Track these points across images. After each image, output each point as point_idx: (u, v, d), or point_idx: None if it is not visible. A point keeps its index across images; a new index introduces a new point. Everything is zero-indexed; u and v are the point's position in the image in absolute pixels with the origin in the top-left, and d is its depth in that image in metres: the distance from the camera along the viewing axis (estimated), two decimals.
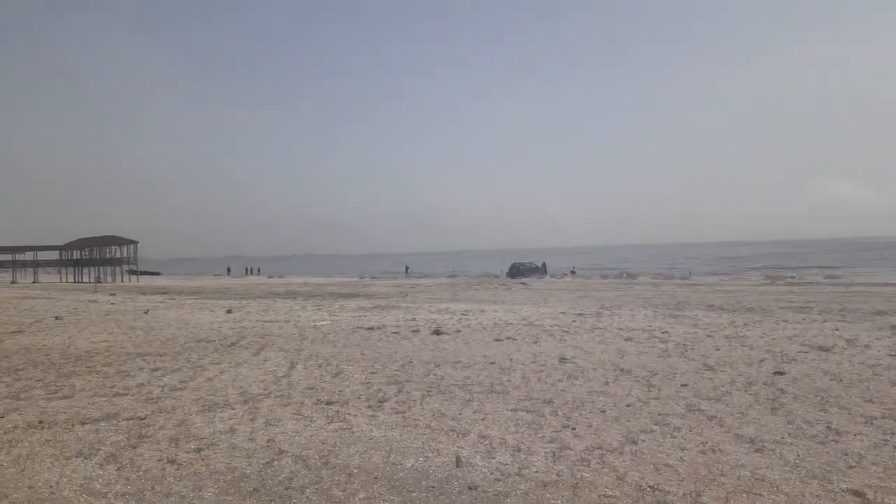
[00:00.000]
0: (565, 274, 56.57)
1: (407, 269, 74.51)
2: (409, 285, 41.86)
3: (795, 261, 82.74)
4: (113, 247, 63.32)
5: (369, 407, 7.13)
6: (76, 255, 64.69)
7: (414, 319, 17.08)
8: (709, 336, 12.86)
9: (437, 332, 13.77)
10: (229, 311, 20.32)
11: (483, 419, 6.49)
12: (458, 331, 14.16)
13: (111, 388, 8.28)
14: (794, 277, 41.91)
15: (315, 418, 6.64)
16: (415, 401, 7.38)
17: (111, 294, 33.73)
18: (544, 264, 55.99)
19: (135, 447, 5.68)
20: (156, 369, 9.70)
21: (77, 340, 13.36)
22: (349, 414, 6.82)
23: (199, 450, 5.58)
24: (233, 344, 12.63)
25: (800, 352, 10.60)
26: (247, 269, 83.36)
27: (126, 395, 7.85)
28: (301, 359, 10.63)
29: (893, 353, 10.25)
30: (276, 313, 19.85)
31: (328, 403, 7.32)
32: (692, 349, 11.12)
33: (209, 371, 9.53)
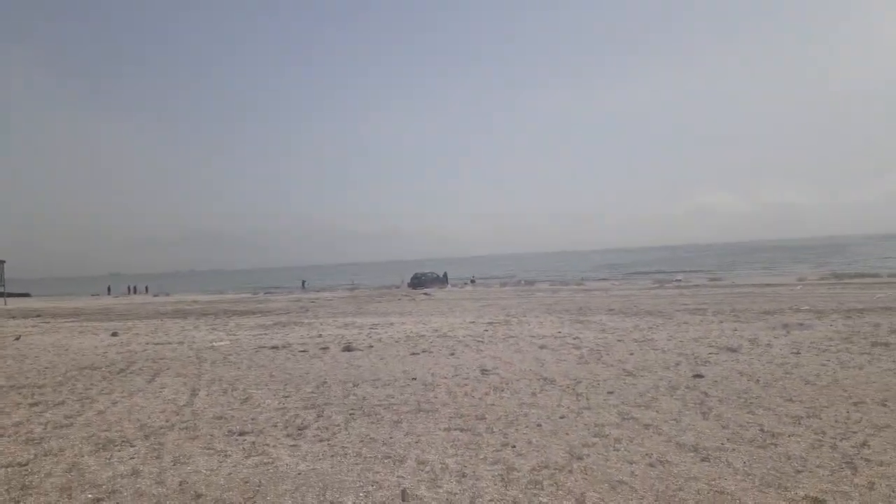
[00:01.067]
0: (466, 283, 56.97)
1: (304, 283, 72.45)
2: (309, 300, 40.58)
3: (678, 265, 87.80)
4: None
5: (288, 436, 6.52)
6: None
7: (320, 336, 16.35)
8: (619, 341, 13.05)
9: (348, 349, 13.17)
10: (115, 334, 18.69)
11: (417, 442, 6.06)
12: (371, 346, 13.62)
13: None
14: (680, 281, 44.19)
15: (230, 452, 5.96)
16: (338, 426, 6.84)
17: None
18: (445, 274, 56.16)
19: (17, 502, 4.82)
20: (35, 404, 8.56)
21: None
22: (267, 445, 6.19)
23: (97, 500, 4.80)
24: (123, 370, 11.48)
25: (710, 353, 10.89)
26: (129, 288, 78.20)
27: (1, 437, 6.80)
28: (202, 384, 9.77)
29: (795, 351, 10.72)
30: (167, 334, 18.46)
31: (241, 434, 6.64)
32: (607, 354, 11.19)
33: (99, 403, 8.51)
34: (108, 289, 79.21)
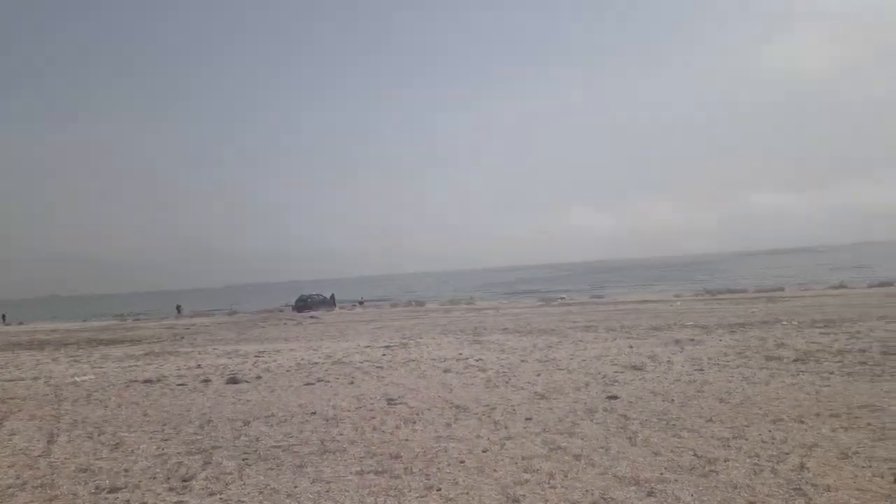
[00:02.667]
0: (354, 305, 55.64)
1: (179, 308, 67.89)
2: (184, 326, 37.87)
3: (557, 283, 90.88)
4: None
5: (171, 489, 5.51)
6: None
7: (199, 367, 14.92)
8: (522, 361, 12.74)
9: (233, 381, 11.97)
10: None
11: (327, 491, 5.25)
12: (259, 377, 12.48)
13: None
14: (565, 298, 45.34)
15: None
16: (231, 474, 5.88)
17: None
18: (332, 296, 54.49)
19: None
20: None
21: None
22: (145, 503, 5.16)
23: None
24: None
25: (616, 372, 10.76)
26: None
27: None
28: (63, 428, 8.39)
29: (698, 367, 10.79)
30: (19, 369, 16.29)
31: (112, 490, 5.54)
32: (514, 377, 10.80)
33: None
34: None
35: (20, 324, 57.37)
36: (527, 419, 7.57)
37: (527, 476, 5.38)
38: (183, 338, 26.29)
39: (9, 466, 6.52)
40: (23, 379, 14.00)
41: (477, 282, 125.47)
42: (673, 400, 8.26)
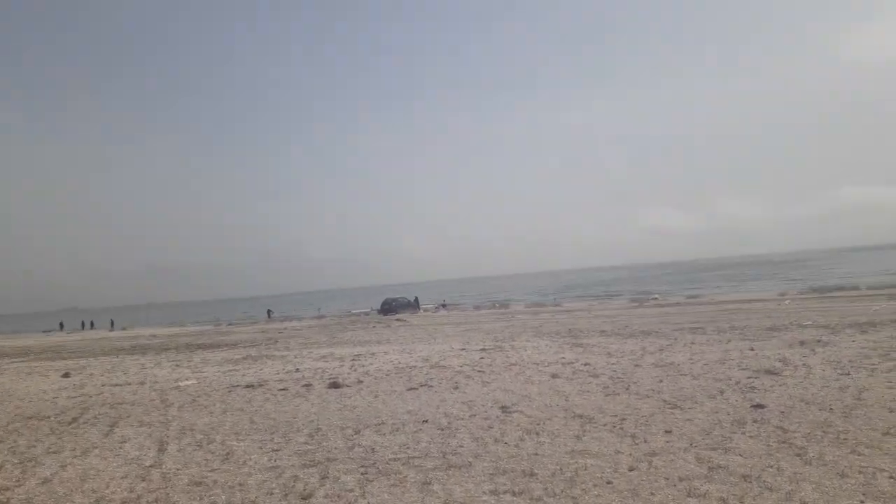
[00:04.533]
0: (437, 307, 55.50)
1: (269, 312, 69.90)
2: (276, 330, 38.61)
3: (640, 284, 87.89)
4: None
5: None
6: None
7: (298, 370, 14.77)
8: (636, 366, 11.84)
9: (335, 385, 11.67)
10: (66, 375, 16.78)
11: None
12: (360, 381, 12.13)
13: None
14: (657, 298, 43.54)
15: None
16: (352, 491, 5.39)
17: None
18: (416, 298, 54.58)
19: None
20: None
21: None
22: None
23: None
24: (74, 419, 9.81)
25: (749, 378, 9.74)
26: (83, 323, 74.31)
27: None
28: (172, 436, 8.19)
29: (843, 371, 9.64)
30: (125, 373, 16.64)
31: None
32: (634, 383, 9.95)
33: (45, 466, 6.90)
34: (61, 324, 75.26)
35: (124, 329, 60.47)
36: (666, 431, 6.77)
37: (693, 502, 4.62)
38: (277, 341, 26.58)
39: (122, 477, 6.29)
40: (129, 383, 14.20)
41: (558, 283, 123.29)
42: (832, 409, 7.24)
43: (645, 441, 6.43)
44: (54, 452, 7.57)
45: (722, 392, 8.76)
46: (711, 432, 6.62)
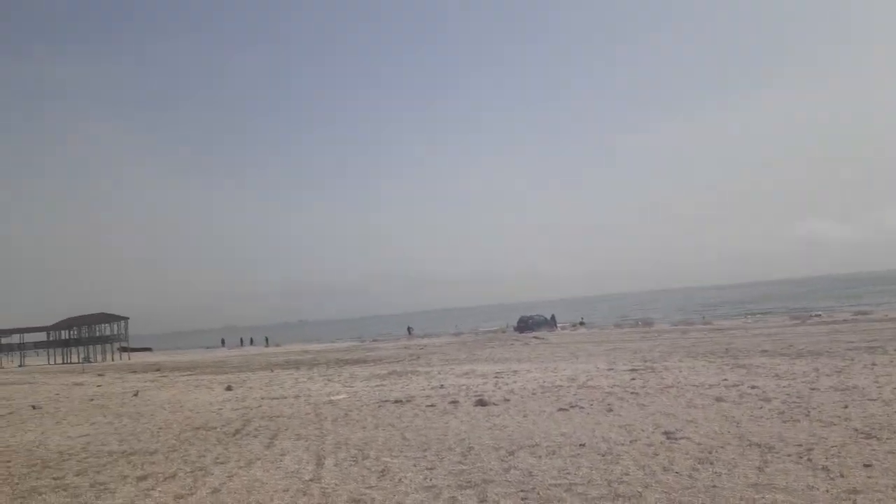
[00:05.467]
0: (575, 325, 54.23)
1: (409, 329, 71.75)
2: (417, 346, 39.39)
3: (793, 300, 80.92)
4: (103, 324, 60.54)
5: None
6: (64, 334, 61.76)
7: (442, 387, 14.78)
8: (812, 389, 10.69)
9: (481, 403, 11.49)
10: (229, 388, 17.93)
11: None
12: (506, 399, 11.88)
13: None
14: (821, 315, 39.84)
15: None
16: None
17: (99, 374, 31.09)
18: (553, 316, 53.63)
19: None
20: (143, 477, 7.39)
21: (51, 437, 10.98)
22: None
23: None
24: (238, 431, 10.33)
25: None
26: (242, 340, 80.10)
27: None
28: (328, 450, 8.34)
29: None
30: (281, 387, 17.48)
31: None
32: (814, 409, 8.93)
33: (214, 476, 7.23)
34: (222, 341, 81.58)
35: (278, 346, 64.41)
36: (865, 465, 5.92)
37: None
38: (419, 357, 27.03)
39: (284, 490, 6.42)
40: (286, 397, 14.85)
41: (701, 300, 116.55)
42: None
43: (841, 475, 5.64)
44: (222, 463, 7.93)
45: None
46: None
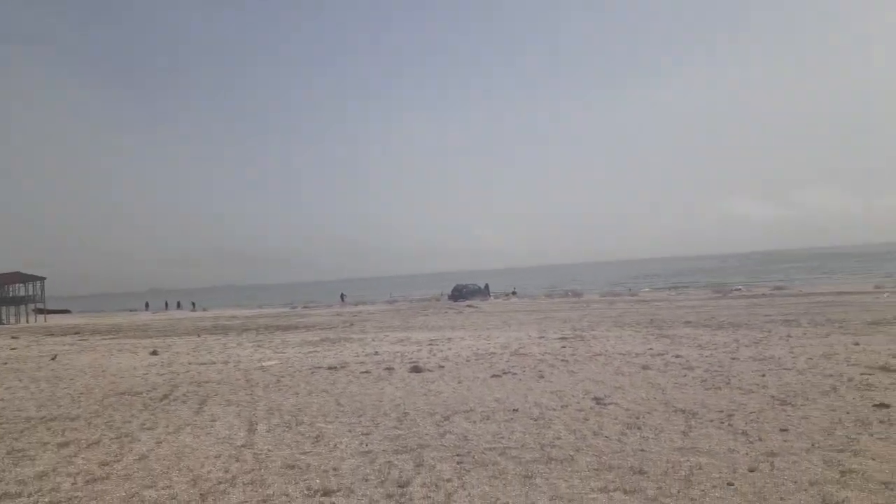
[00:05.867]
0: (508, 295, 55.06)
1: (342, 296, 71.16)
2: (350, 313, 39.14)
3: (717, 274, 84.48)
4: (17, 284, 57.51)
5: (389, 496, 4.87)
6: None
7: (377, 354, 14.75)
8: (733, 359, 11.20)
9: (416, 370, 11.54)
10: (154, 353, 17.38)
11: None
12: (441, 366, 11.96)
13: None
14: (741, 290, 41.76)
15: None
16: (450, 481, 5.16)
17: (13, 337, 29.58)
18: (487, 286, 54.30)
19: None
20: (65, 444, 7.07)
21: None
22: None
23: None
24: (165, 396, 10.02)
25: (863, 374, 9.02)
26: (167, 304, 77.60)
27: (19, 496, 5.27)
28: (260, 416, 8.20)
29: None
30: (209, 353, 17.06)
31: (326, 493, 5.01)
32: (734, 377, 9.37)
33: (141, 442, 6.99)
34: (147, 305, 78.93)
35: (205, 310, 62.79)
36: (782, 430, 6.25)
37: None
38: (352, 324, 26.87)
39: (215, 457, 6.27)
40: (214, 363, 14.50)
41: (630, 272, 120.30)
42: None
43: (760, 439, 5.94)
44: (149, 429, 7.69)
45: (835, 389, 8.11)
46: (833, 432, 6.07)
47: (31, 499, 5.16)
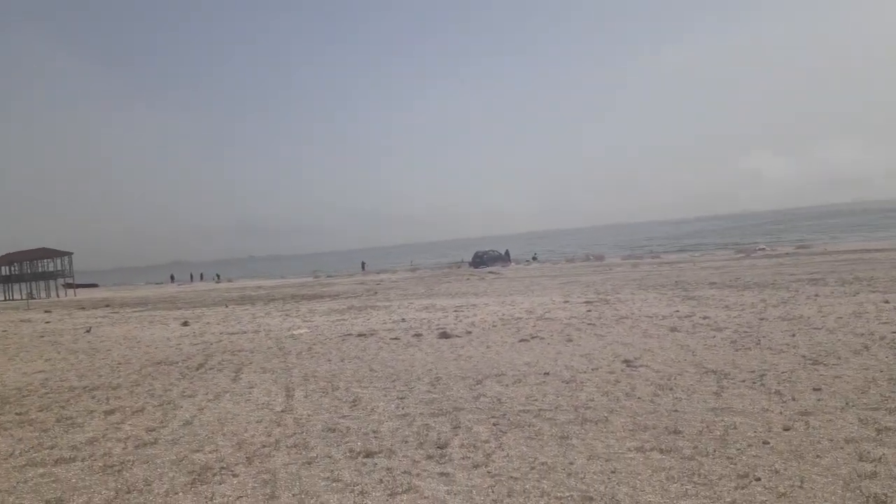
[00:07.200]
0: (528, 261, 55.06)
1: (363, 264, 71.71)
2: (373, 281, 39.47)
3: (740, 234, 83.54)
4: (45, 260, 58.61)
5: (429, 457, 5.02)
6: (5, 270, 59.65)
7: (404, 320, 14.94)
8: (761, 319, 11.20)
9: (445, 336, 11.69)
10: (185, 324, 17.73)
11: (613, 472, 4.46)
12: (468, 332, 12.10)
13: (51, 448, 5.90)
14: (765, 249, 41.36)
15: (365, 487, 4.48)
16: (487, 442, 5.29)
17: (46, 311, 30.28)
18: (507, 251, 54.32)
19: None
20: (111, 411, 7.32)
21: (5, 373, 10.73)
22: (409, 474, 4.68)
23: None
24: (201, 365, 10.28)
25: (894, 332, 8.98)
26: (192, 276, 78.74)
27: (73, 460, 5.50)
28: (296, 382, 8.40)
29: None
30: (239, 322, 17.37)
31: (368, 455, 5.16)
32: (764, 337, 9.38)
33: (184, 409, 7.22)
34: (172, 277, 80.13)
35: (230, 281, 63.64)
36: (815, 389, 6.29)
37: (869, 467, 4.22)
38: (376, 293, 27.12)
39: (257, 422, 6.46)
40: (245, 332, 14.78)
41: (649, 234, 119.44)
42: None
43: (793, 399, 5.99)
44: (189, 396, 7.91)
45: (867, 348, 8.10)
46: (867, 391, 6.09)
47: (86, 463, 5.38)
